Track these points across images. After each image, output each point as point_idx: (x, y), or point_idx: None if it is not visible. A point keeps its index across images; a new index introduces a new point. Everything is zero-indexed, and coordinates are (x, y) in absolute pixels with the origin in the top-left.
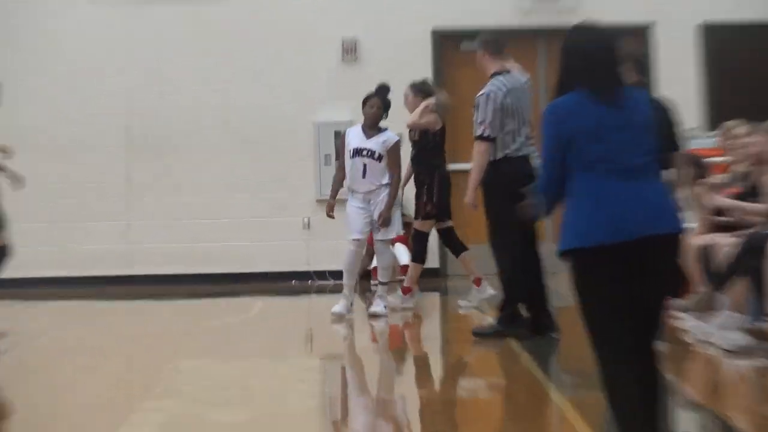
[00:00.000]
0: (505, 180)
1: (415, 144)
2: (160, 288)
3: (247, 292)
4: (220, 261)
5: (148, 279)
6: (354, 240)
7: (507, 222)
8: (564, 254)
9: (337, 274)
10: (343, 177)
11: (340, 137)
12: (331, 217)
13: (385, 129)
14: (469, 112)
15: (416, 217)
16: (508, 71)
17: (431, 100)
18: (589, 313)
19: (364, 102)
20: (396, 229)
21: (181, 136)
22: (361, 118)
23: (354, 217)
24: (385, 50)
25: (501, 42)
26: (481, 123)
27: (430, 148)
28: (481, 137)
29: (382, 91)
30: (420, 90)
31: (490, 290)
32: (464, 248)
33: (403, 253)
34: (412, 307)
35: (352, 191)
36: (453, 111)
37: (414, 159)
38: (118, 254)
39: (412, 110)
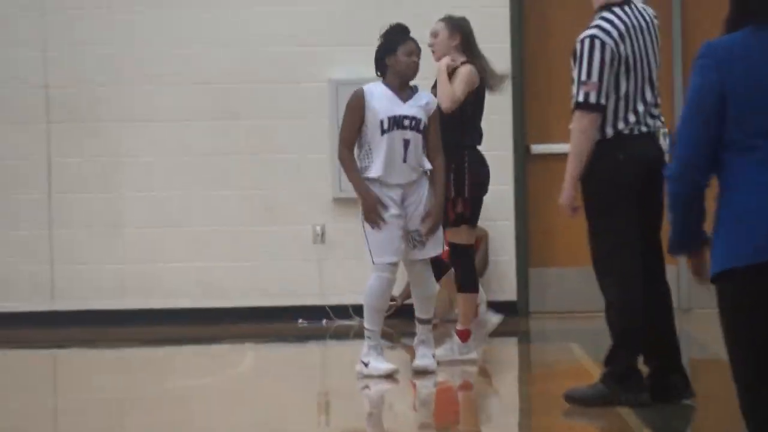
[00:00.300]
0: (616, 170)
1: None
2: (97, 330)
3: (231, 336)
4: (188, 291)
5: (78, 317)
6: (387, 264)
7: (618, 233)
8: (715, 281)
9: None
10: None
11: (353, 101)
12: (379, 222)
13: (416, 86)
14: (566, 67)
15: (443, 225)
16: (626, 2)
17: (447, 60)
18: (740, 369)
19: (390, 48)
20: (441, 240)
21: (128, 102)
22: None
23: (387, 227)
24: None
25: None
26: (583, 83)
27: (458, 120)
28: (584, 105)
29: (405, 32)
30: (458, 28)
31: (493, 317)
32: (446, 267)
33: None
34: (476, 359)
35: (381, 183)
36: (541, 67)
37: None
38: (33, 279)
39: (441, 55)
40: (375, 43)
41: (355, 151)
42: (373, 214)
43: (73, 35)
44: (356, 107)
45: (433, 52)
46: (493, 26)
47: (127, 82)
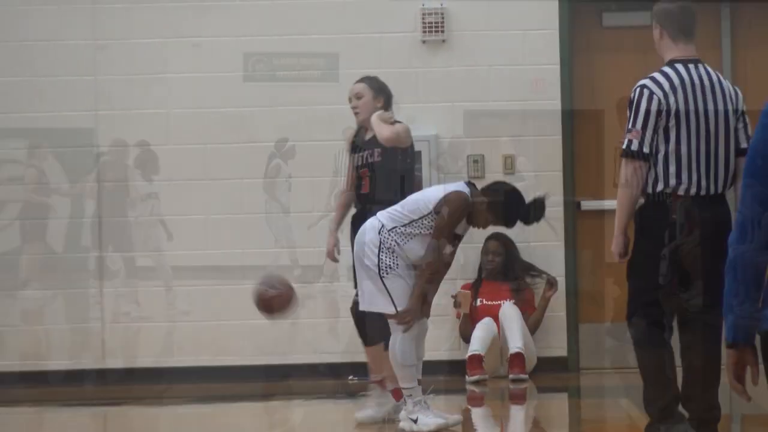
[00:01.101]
0: (663, 230)
1: (373, 167)
2: (148, 387)
3: (281, 393)
4: (239, 347)
5: (130, 374)
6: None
7: (650, 291)
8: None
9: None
10: None
11: (463, 205)
12: (409, 321)
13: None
14: (615, 123)
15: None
16: (694, 61)
17: (386, 115)
18: None
19: (509, 218)
20: None
21: (179, 161)
22: None
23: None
24: (484, 22)
25: (687, 15)
26: (628, 131)
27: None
28: (627, 152)
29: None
30: (381, 89)
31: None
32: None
33: (515, 336)
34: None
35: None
36: (591, 124)
37: (364, 191)
38: (83, 337)
39: (365, 117)
40: (430, 98)
41: (401, 227)
42: (414, 312)
43: (124, 94)
44: (464, 213)
45: (356, 114)
46: (544, 84)
47: (178, 142)
